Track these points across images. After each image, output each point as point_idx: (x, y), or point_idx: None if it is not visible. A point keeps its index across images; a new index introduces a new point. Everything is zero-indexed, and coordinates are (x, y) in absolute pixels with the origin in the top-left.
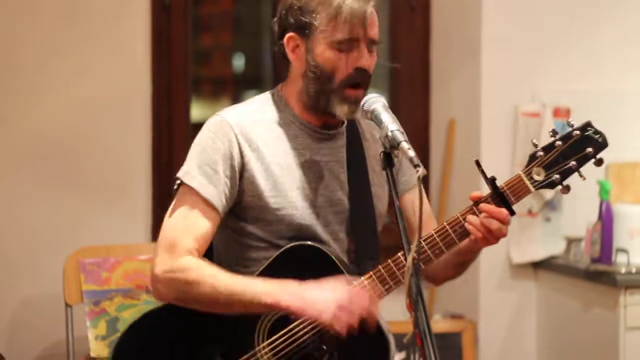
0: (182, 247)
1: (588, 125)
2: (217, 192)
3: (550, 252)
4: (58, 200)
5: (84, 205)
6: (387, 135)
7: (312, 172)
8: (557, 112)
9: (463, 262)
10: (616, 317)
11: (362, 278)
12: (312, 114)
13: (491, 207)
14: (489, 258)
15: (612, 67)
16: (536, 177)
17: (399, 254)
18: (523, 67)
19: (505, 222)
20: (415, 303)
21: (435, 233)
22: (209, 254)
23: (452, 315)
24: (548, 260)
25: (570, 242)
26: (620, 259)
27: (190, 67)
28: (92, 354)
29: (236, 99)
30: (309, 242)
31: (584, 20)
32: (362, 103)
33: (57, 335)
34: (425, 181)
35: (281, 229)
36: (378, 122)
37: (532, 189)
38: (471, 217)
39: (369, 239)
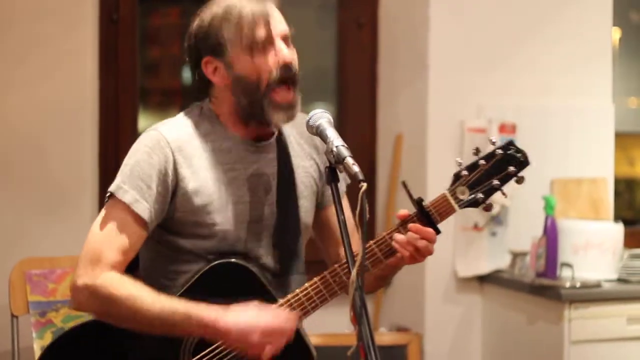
0: (106, 261)
1: (510, 144)
2: (148, 208)
3: (495, 266)
4: (3, 210)
5: (30, 216)
6: (332, 151)
7: (245, 186)
8: (502, 128)
9: (384, 277)
10: (561, 330)
11: (289, 296)
12: (245, 127)
13: (420, 227)
14: (435, 271)
15: (558, 84)
16: (460, 197)
17: (336, 266)
18: (469, 83)
19: (431, 241)
20: (360, 316)
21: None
22: (134, 264)
23: (398, 328)
24: (493, 274)
25: (516, 256)
26: (565, 273)
27: (138, 78)
28: None
29: (184, 110)
30: (233, 260)
31: (531, 37)
32: (307, 119)
33: (3, 346)
34: (371, 196)
35: (213, 244)
36: (323, 137)
37: (457, 209)
38: (398, 236)
39: (295, 253)
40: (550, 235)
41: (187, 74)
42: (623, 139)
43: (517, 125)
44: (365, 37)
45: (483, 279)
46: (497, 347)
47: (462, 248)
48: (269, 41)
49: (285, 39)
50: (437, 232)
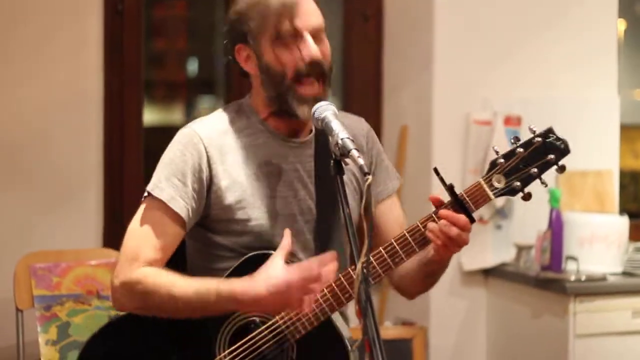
0: (143, 258)
1: (550, 131)
2: (185, 205)
3: (500, 259)
4: (8, 204)
5: (35, 210)
6: (337, 143)
7: (281, 181)
8: (508, 121)
9: (431, 273)
10: (565, 324)
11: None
12: (280, 121)
13: (450, 213)
14: None
15: (563, 76)
16: (496, 185)
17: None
18: (475, 75)
19: (465, 229)
20: (365, 310)
21: (395, 241)
22: (182, 266)
23: (403, 322)
24: (498, 267)
25: (521, 249)
26: (570, 266)
27: (143, 71)
28: (43, 359)
29: (189, 103)
30: (268, 251)
31: (536, 30)
32: (313, 111)
33: (8, 340)
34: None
35: (249, 240)
36: (329, 129)
37: (492, 197)
38: (431, 224)
39: (337, 249)
40: (556, 228)
41: (192, 67)
42: (629, 131)
43: (522, 118)
44: (370, 30)
45: (488, 273)
46: (502, 340)
47: None
48: (295, 34)
49: (316, 32)
50: (472, 220)
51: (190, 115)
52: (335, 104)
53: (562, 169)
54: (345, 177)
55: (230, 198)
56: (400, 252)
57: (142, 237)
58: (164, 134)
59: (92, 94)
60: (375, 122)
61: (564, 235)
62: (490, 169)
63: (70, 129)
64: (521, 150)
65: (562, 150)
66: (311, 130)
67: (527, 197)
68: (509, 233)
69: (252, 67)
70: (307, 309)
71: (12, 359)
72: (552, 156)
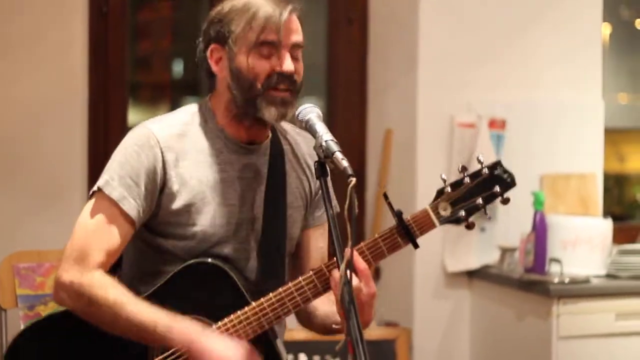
0: (93, 260)
1: (497, 164)
2: (136, 205)
3: (484, 261)
4: None
5: (18, 209)
6: (321, 145)
7: (232, 188)
8: (492, 123)
9: (330, 331)
10: (549, 326)
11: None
12: (239, 127)
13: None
14: (424, 266)
15: (548, 80)
16: (442, 212)
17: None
18: (459, 79)
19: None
20: (348, 311)
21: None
22: (118, 261)
23: (387, 323)
24: (482, 269)
25: (505, 251)
26: (554, 269)
27: (128, 72)
28: None
29: (175, 104)
30: (209, 260)
31: (521, 33)
32: (296, 113)
33: None
34: (360, 191)
35: (191, 245)
36: (312, 132)
37: (437, 224)
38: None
39: (277, 259)
40: (539, 230)
41: (177, 68)
42: (613, 135)
43: (506, 121)
44: (355, 33)
45: (472, 274)
46: (486, 342)
47: (451, 243)
48: (274, 48)
49: (294, 49)
50: (415, 246)
51: None
52: (319, 107)
53: (506, 201)
54: (294, 189)
55: (179, 202)
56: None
57: (92, 235)
58: None
59: (77, 95)
60: (360, 125)
61: (548, 238)
62: (437, 196)
63: (55, 130)
64: (468, 180)
65: (508, 183)
66: (267, 137)
67: (470, 226)
68: (493, 235)
69: (221, 69)
70: None
71: None
72: (497, 188)
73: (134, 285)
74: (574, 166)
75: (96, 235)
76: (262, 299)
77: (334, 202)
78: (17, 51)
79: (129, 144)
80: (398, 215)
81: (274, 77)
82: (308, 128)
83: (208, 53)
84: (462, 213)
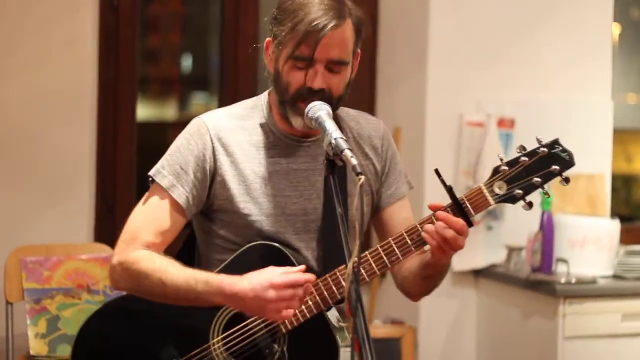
0: (141, 240)
1: (556, 142)
2: (185, 193)
3: (491, 260)
4: (0, 197)
5: (27, 203)
6: (330, 143)
7: (288, 180)
8: (501, 123)
9: (431, 276)
10: (555, 326)
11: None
12: (290, 125)
13: (447, 216)
14: None
15: (557, 79)
16: (497, 191)
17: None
18: (468, 77)
19: (461, 233)
20: (355, 309)
21: (392, 240)
22: (191, 254)
23: (392, 321)
24: (489, 268)
25: (511, 251)
26: (560, 268)
27: (138, 66)
28: (32, 352)
29: (183, 99)
30: (270, 242)
31: (530, 32)
32: (306, 110)
33: None
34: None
35: (250, 234)
36: (322, 129)
37: (492, 202)
38: (428, 226)
39: (336, 251)
40: (547, 230)
41: (186, 63)
42: (621, 135)
43: (515, 120)
44: (365, 30)
45: (478, 273)
46: (491, 341)
47: None
48: (308, 61)
49: (331, 65)
50: (470, 224)
51: (184, 111)
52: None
53: (566, 181)
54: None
55: (234, 190)
56: (397, 251)
57: (142, 219)
58: (158, 130)
59: (87, 89)
60: None
61: (555, 238)
62: (492, 175)
63: (64, 123)
64: (525, 159)
65: (567, 162)
66: None
67: (528, 205)
68: (500, 234)
69: (269, 63)
70: (285, 318)
71: (1, 352)
72: (556, 167)
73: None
74: (582, 166)
75: (146, 219)
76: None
77: (408, 178)
78: (27, 45)
79: (182, 133)
80: (450, 191)
81: (304, 90)
82: (318, 125)
83: (264, 45)
84: (519, 191)
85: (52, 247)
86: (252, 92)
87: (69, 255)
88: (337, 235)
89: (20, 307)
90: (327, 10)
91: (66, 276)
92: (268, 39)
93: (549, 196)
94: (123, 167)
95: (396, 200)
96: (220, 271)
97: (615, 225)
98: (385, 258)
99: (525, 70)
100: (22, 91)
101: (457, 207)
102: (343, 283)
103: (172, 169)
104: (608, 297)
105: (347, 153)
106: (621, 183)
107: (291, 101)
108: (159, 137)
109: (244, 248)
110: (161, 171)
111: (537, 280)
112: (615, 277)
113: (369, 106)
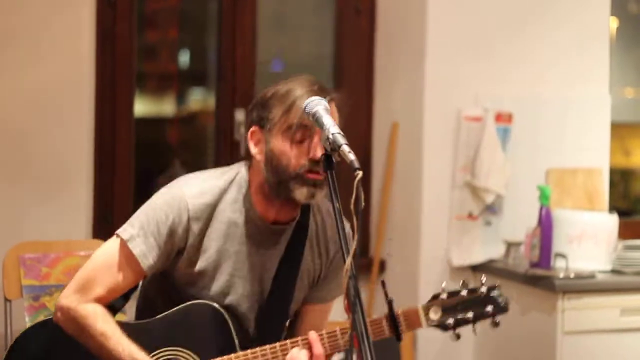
0: (94, 294)
1: (496, 286)
2: (152, 264)
3: (489, 255)
4: None
5: (25, 200)
6: (328, 138)
7: (248, 262)
8: (499, 117)
9: None
10: (554, 321)
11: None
12: (268, 206)
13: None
14: (429, 260)
15: (555, 74)
16: (432, 316)
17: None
18: (466, 72)
19: None
20: (354, 305)
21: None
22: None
23: None
24: (487, 263)
25: (510, 246)
26: (559, 263)
27: (135, 62)
28: None
29: (181, 94)
30: (211, 303)
31: (528, 27)
32: (304, 105)
33: None
34: (366, 184)
35: (200, 299)
36: (320, 124)
37: (425, 325)
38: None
39: (274, 333)
40: (545, 225)
41: (184, 59)
42: (619, 129)
43: (513, 115)
44: (363, 24)
45: (477, 268)
46: (490, 336)
47: (457, 237)
48: (307, 132)
49: None
50: (399, 339)
51: (182, 106)
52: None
53: (496, 325)
54: (304, 274)
55: (195, 267)
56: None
57: (101, 273)
58: (155, 126)
59: (84, 85)
60: (366, 118)
61: (553, 233)
62: (431, 300)
63: (61, 120)
64: (464, 293)
65: (502, 307)
66: (293, 219)
67: (456, 337)
68: (498, 229)
69: (259, 151)
70: None
71: (0, 349)
72: (489, 309)
73: (141, 308)
74: (581, 160)
75: (105, 274)
76: (248, 350)
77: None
78: (24, 40)
79: (160, 202)
80: (389, 303)
81: (306, 164)
82: (315, 120)
83: (249, 134)
84: (451, 321)
85: (50, 244)
86: (249, 88)
87: (67, 252)
88: (273, 322)
89: (19, 304)
90: (317, 92)
91: (65, 273)
92: (253, 127)
93: (475, 334)
94: (121, 163)
95: (320, 303)
96: (160, 319)
97: (613, 220)
98: None
99: (523, 65)
100: (19, 87)
101: (392, 320)
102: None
103: (146, 240)
104: (607, 292)
105: (345, 149)
106: (619, 177)
107: (294, 177)
108: (157, 133)
109: (188, 304)
110: (136, 238)
111: (536, 275)
112: (614, 271)
113: (367, 101)
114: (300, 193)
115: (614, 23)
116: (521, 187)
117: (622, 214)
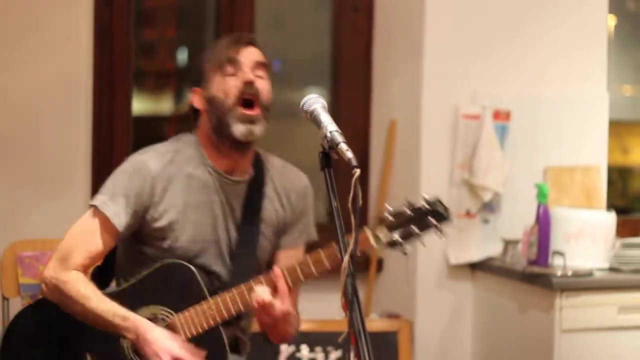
0: (74, 261)
1: (437, 199)
2: (123, 222)
3: (487, 253)
4: None
5: (22, 198)
6: (326, 136)
7: (211, 211)
8: (497, 115)
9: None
10: (551, 319)
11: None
12: (220, 156)
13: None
14: (427, 258)
15: (553, 71)
16: (380, 236)
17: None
18: (464, 69)
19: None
20: (351, 303)
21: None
22: (112, 262)
23: (389, 315)
24: (485, 261)
25: (508, 244)
26: (557, 261)
27: (133, 60)
28: None
29: (178, 92)
30: (184, 262)
31: (526, 24)
32: (301, 104)
33: None
34: (364, 182)
35: (172, 257)
36: (317, 122)
37: (375, 245)
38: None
39: (244, 276)
40: (543, 223)
41: (182, 56)
42: (617, 127)
43: (511, 112)
44: (360, 22)
45: (475, 267)
46: (488, 334)
47: (454, 235)
48: (237, 65)
49: (257, 66)
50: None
51: (180, 104)
52: (324, 97)
53: (441, 234)
54: (268, 220)
55: (164, 221)
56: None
57: (79, 241)
58: (153, 124)
59: (82, 82)
60: (364, 116)
61: (551, 231)
62: (377, 222)
63: (59, 117)
64: (407, 211)
65: (444, 216)
66: (248, 172)
67: (404, 251)
68: (496, 227)
69: (200, 103)
70: None
71: None
72: (432, 220)
73: (120, 282)
74: (579, 158)
75: (83, 241)
76: (217, 296)
77: (313, 231)
78: (22, 38)
79: (124, 169)
80: (340, 234)
81: (242, 88)
82: (313, 119)
83: (191, 97)
84: (398, 237)
85: (48, 242)
86: None
87: None
88: (243, 267)
89: (17, 303)
90: (236, 36)
91: None
92: (193, 89)
93: (424, 246)
94: (119, 161)
95: (290, 248)
96: (135, 283)
97: (611, 218)
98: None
99: (521, 62)
100: (16, 85)
101: (345, 248)
102: (239, 301)
103: (116, 201)
104: (604, 289)
105: (343, 146)
106: (617, 175)
107: (232, 108)
108: (155, 131)
109: (158, 265)
110: (106, 202)
111: (534, 273)
112: (612, 269)
113: (365, 98)
114: (237, 130)
115: (612, 21)
116: (519, 185)
117: (620, 211)
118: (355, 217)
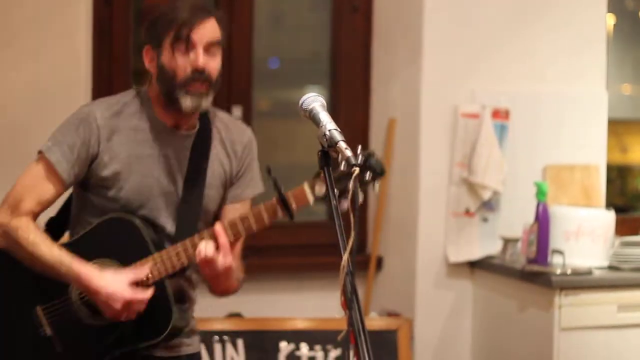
0: (24, 208)
1: (372, 154)
2: (68, 169)
3: (486, 252)
4: None
5: None
6: (325, 135)
7: (157, 163)
8: (496, 114)
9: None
10: (551, 317)
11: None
12: (167, 113)
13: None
14: (426, 256)
15: (552, 70)
16: (317, 191)
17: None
18: (463, 68)
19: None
20: (350, 301)
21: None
22: (67, 214)
23: (388, 313)
24: (484, 260)
25: (507, 242)
26: (556, 260)
27: (132, 59)
28: None
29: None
30: (127, 216)
31: (525, 24)
32: (300, 102)
33: None
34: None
35: (117, 207)
36: (316, 121)
37: (311, 200)
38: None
39: (190, 228)
40: (542, 221)
41: None
42: (616, 126)
43: (510, 111)
44: (359, 21)
45: (474, 265)
46: (487, 333)
47: (454, 233)
48: (190, 44)
49: (210, 47)
50: (291, 217)
51: None
52: (323, 96)
53: (374, 186)
54: (215, 172)
55: (109, 170)
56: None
57: (27, 188)
58: None
59: (81, 82)
60: (363, 115)
61: (551, 229)
62: (315, 177)
63: (58, 117)
64: (343, 167)
65: (379, 172)
66: (194, 126)
67: (340, 205)
68: (495, 226)
69: (152, 66)
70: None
71: None
72: (368, 175)
73: (75, 231)
74: (578, 157)
75: (31, 188)
76: (163, 251)
77: (260, 184)
78: (21, 37)
79: (71, 118)
80: (278, 189)
81: (189, 73)
82: (312, 117)
83: (144, 53)
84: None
85: None
86: (246, 83)
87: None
88: (189, 219)
89: None
90: (195, 8)
91: None
92: (146, 47)
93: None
94: None
95: (237, 201)
96: (83, 236)
97: (610, 216)
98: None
99: (520, 61)
100: (15, 85)
101: (282, 200)
102: (183, 256)
103: (61, 148)
104: (604, 288)
105: (342, 145)
106: (616, 174)
107: (180, 85)
108: None
109: (105, 218)
110: (52, 148)
111: (533, 271)
112: (611, 268)
113: (364, 97)
114: (185, 102)
115: (611, 20)
116: (518, 183)
117: (619, 210)
118: (355, 216)
